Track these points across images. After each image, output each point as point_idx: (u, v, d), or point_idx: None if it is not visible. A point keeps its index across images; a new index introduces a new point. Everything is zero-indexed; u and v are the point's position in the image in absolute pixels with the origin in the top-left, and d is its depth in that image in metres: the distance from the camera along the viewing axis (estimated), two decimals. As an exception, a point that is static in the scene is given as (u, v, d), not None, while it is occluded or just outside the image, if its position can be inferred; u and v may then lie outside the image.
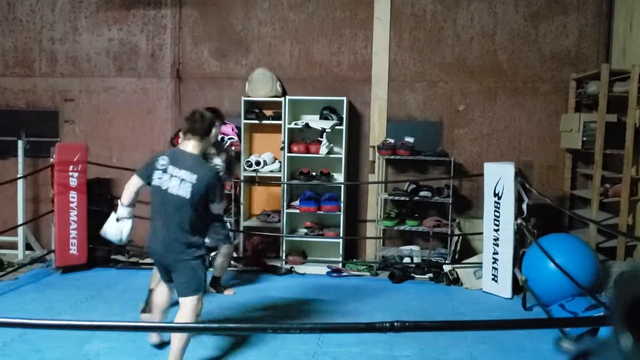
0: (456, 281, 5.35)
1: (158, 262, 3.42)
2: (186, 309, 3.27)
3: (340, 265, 5.79)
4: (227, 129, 5.98)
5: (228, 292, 5.01)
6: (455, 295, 5.09)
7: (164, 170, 3.26)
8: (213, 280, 4.96)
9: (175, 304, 3.53)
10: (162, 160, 3.30)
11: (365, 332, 3.87)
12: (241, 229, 5.95)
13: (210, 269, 5.31)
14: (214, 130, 3.54)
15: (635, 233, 5.24)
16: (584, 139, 5.34)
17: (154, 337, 3.73)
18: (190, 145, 3.33)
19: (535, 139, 6.03)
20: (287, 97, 5.84)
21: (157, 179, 3.28)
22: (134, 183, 3.44)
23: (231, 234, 5.10)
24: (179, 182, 3.21)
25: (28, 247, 6.10)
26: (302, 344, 3.79)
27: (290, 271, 5.73)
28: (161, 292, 3.59)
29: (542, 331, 3.82)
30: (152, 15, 6.33)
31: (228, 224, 5.13)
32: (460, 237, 5.71)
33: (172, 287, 3.50)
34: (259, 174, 5.91)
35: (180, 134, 3.60)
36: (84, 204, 5.64)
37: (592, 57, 5.91)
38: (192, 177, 3.20)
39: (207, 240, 3.53)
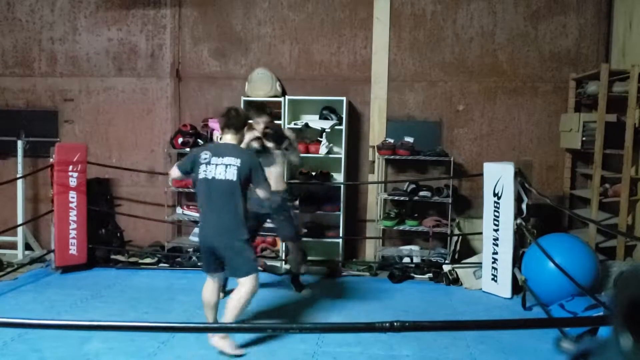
0: (456, 281, 5.35)
1: (209, 250, 3.62)
2: (243, 288, 3.56)
3: (340, 266, 5.79)
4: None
5: (305, 292, 4.96)
6: (454, 295, 5.09)
7: (208, 163, 3.56)
8: (292, 277, 4.96)
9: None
10: (205, 155, 3.60)
11: (365, 332, 3.88)
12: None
13: (286, 266, 5.30)
14: (259, 125, 4.24)
15: (634, 233, 5.24)
16: (584, 138, 5.34)
17: (215, 339, 3.63)
18: (227, 138, 3.68)
19: (535, 139, 6.03)
20: (287, 97, 5.84)
21: (202, 172, 3.56)
22: (173, 174, 3.82)
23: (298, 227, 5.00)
24: (224, 168, 3.52)
25: (28, 247, 6.10)
26: (302, 343, 3.79)
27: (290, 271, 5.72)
28: (208, 289, 3.74)
29: (542, 331, 3.81)
30: (152, 15, 6.33)
31: (295, 217, 4.86)
32: (460, 237, 5.71)
33: (218, 280, 3.75)
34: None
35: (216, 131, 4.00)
36: (83, 204, 5.63)
37: (591, 57, 5.91)
38: (236, 161, 3.54)
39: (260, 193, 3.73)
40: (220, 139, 3.76)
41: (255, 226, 4.54)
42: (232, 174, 3.51)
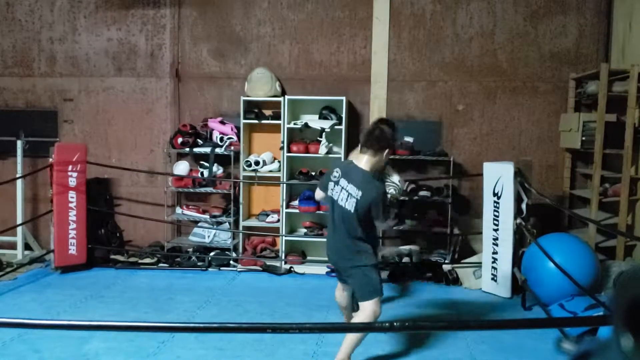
0: (456, 281, 5.35)
1: (334, 264, 3.67)
2: (363, 313, 3.40)
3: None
4: (227, 128, 5.98)
5: None
6: (454, 295, 5.08)
7: (337, 182, 3.40)
8: None
9: None
10: (336, 173, 3.44)
11: (365, 332, 3.87)
12: (240, 229, 5.95)
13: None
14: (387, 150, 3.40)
15: (634, 233, 5.24)
16: (584, 138, 5.34)
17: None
18: (363, 160, 3.37)
19: (535, 139, 6.03)
20: (287, 97, 5.84)
21: (331, 189, 3.45)
22: (317, 196, 3.76)
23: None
24: (346, 196, 3.33)
25: (27, 247, 6.09)
26: (302, 343, 3.79)
27: (289, 271, 5.73)
28: (338, 292, 3.82)
29: (542, 331, 3.82)
30: (151, 15, 6.32)
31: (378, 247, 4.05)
32: (460, 237, 5.71)
33: (347, 286, 3.71)
34: (258, 174, 5.91)
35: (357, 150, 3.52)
36: (83, 204, 5.63)
37: (591, 56, 5.91)
38: (357, 193, 3.27)
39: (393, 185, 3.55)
40: (357, 156, 3.43)
41: None
42: (350, 205, 3.30)
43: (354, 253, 3.39)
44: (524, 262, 4.84)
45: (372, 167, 3.36)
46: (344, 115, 5.80)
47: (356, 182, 3.29)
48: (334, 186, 3.40)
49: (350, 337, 3.36)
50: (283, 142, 5.80)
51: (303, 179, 5.84)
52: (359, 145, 3.45)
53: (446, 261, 5.57)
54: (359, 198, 3.25)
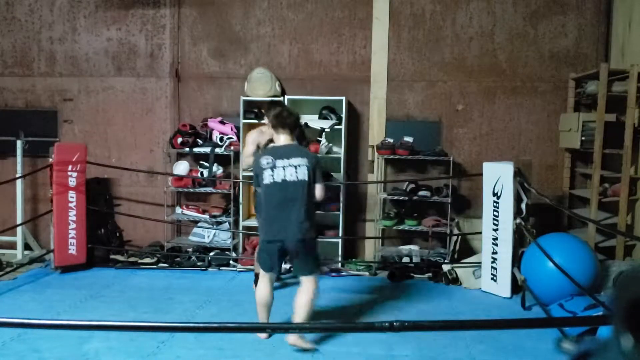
0: (455, 281, 5.35)
1: (280, 249, 3.68)
2: (312, 287, 3.71)
3: (339, 265, 5.80)
4: (227, 128, 5.98)
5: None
6: (454, 294, 5.09)
7: (273, 167, 3.65)
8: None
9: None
10: (265, 161, 3.69)
11: (365, 332, 3.89)
12: (240, 229, 5.95)
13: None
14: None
15: (634, 232, 5.25)
16: (583, 138, 5.34)
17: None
18: (288, 139, 3.79)
19: (534, 139, 6.03)
20: (286, 97, 5.84)
21: (270, 176, 3.65)
22: (258, 193, 3.94)
23: None
24: (294, 169, 3.64)
25: (27, 247, 6.09)
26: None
27: (289, 271, 5.72)
28: (267, 289, 3.80)
29: (541, 330, 3.82)
30: (151, 15, 6.32)
31: None
32: (459, 236, 5.71)
33: (275, 277, 3.92)
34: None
35: (267, 129, 4.01)
36: (82, 204, 5.63)
37: (591, 56, 5.91)
38: (304, 161, 3.68)
39: None
40: (277, 137, 3.80)
41: None
42: (303, 174, 3.63)
43: (306, 226, 3.64)
44: (524, 262, 4.84)
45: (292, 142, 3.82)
46: (343, 115, 5.80)
47: (296, 154, 3.69)
48: (272, 171, 3.64)
49: (303, 314, 3.66)
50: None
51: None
52: (273, 128, 3.81)
53: (446, 261, 5.57)
54: (307, 164, 3.66)
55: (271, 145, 3.95)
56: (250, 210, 6.26)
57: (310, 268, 3.74)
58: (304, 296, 3.71)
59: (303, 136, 4.50)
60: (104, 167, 6.09)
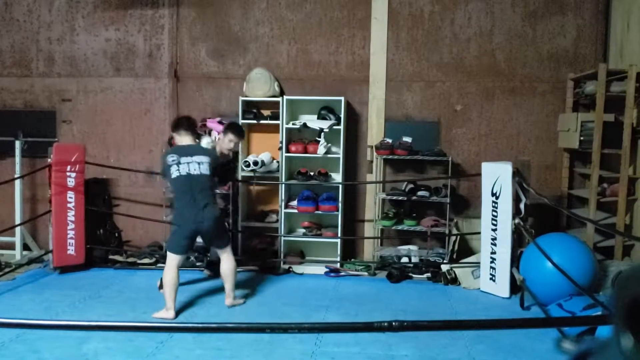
0: (454, 281, 5.36)
1: (193, 231, 4.33)
2: (230, 257, 4.51)
3: (338, 265, 5.80)
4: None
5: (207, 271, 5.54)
6: (453, 294, 5.09)
7: (178, 163, 4.31)
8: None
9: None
10: (170, 158, 4.34)
11: (364, 332, 3.88)
12: (239, 229, 5.95)
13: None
14: (236, 144, 5.07)
15: (632, 232, 5.25)
16: (582, 138, 5.35)
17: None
18: (190, 140, 4.53)
19: (533, 139, 6.04)
20: (285, 97, 5.84)
21: (176, 170, 4.30)
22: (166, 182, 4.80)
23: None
24: (198, 164, 4.33)
25: (26, 247, 6.09)
26: (300, 343, 3.79)
27: (288, 271, 5.73)
28: (176, 271, 4.30)
29: (540, 330, 3.83)
30: (150, 15, 6.32)
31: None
32: (458, 236, 5.71)
33: (184, 260, 4.54)
34: (257, 174, 5.91)
35: (175, 134, 4.60)
36: (81, 204, 5.62)
37: (589, 56, 5.92)
38: (206, 159, 4.39)
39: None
40: (175, 140, 4.64)
41: None
42: (206, 169, 4.35)
43: (214, 208, 4.39)
44: (523, 262, 4.84)
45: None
46: (342, 116, 5.80)
47: (198, 152, 4.42)
48: (178, 166, 4.29)
49: (231, 280, 4.50)
50: (282, 143, 5.81)
51: (302, 179, 5.83)
52: (178, 133, 4.51)
53: (444, 261, 5.57)
54: (209, 161, 4.38)
55: (176, 145, 4.62)
56: (250, 211, 6.26)
57: (224, 242, 4.52)
58: (228, 265, 4.47)
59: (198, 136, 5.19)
60: (102, 168, 6.09)
